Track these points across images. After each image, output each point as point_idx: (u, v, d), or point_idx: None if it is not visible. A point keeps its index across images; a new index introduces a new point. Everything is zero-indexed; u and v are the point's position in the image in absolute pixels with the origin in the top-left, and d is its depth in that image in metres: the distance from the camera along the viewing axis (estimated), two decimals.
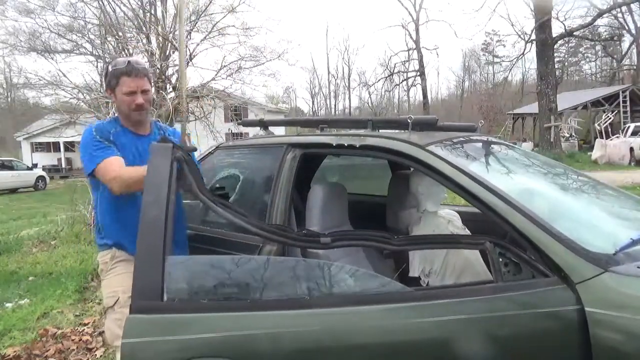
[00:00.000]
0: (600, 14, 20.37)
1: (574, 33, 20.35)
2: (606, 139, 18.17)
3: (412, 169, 2.33)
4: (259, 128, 2.64)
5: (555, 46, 19.54)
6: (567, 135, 20.20)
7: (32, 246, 6.45)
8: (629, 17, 29.34)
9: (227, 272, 1.36)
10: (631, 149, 16.46)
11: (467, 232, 2.31)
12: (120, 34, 9.28)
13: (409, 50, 32.26)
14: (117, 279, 1.91)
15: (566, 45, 35.12)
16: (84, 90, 8.41)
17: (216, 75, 9.45)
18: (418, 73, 31.60)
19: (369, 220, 2.48)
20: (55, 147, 27.06)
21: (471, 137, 2.11)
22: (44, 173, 21.70)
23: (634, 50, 30.90)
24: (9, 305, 3.99)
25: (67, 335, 3.31)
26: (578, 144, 20.75)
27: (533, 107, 22.17)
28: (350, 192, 2.56)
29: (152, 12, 10.50)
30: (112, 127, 1.97)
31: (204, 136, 8.31)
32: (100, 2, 9.96)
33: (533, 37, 18.40)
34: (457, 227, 2.30)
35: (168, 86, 9.07)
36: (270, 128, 2.61)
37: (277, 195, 1.91)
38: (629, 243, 1.30)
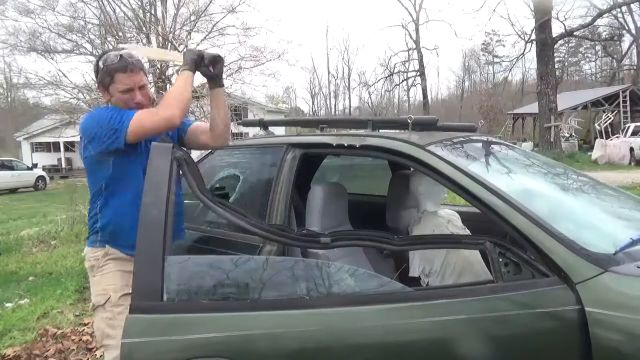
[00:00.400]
0: (600, 14, 20.38)
1: (574, 33, 20.35)
2: (606, 139, 18.18)
3: (412, 169, 2.33)
4: (259, 128, 2.64)
5: (555, 46, 19.55)
6: (567, 135, 20.20)
7: (32, 246, 6.45)
8: (629, 17, 29.36)
9: (227, 272, 1.36)
10: (631, 149, 16.46)
11: (467, 232, 2.31)
12: (120, 34, 9.28)
13: (409, 50, 32.27)
14: (108, 278, 1.84)
15: (566, 45, 35.13)
16: (84, 90, 8.41)
17: None
18: (418, 73, 31.60)
19: (369, 220, 2.48)
20: (55, 147, 27.05)
21: (471, 137, 2.11)
22: (44, 173, 21.70)
23: (634, 50, 30.90)
24: (9, 305, 3.99)
25: (67, 335, 3.31)
26: (578, 144, 20.75)
27: (533, 107, 22.17)
28: (350, 192, 2.56)
29: (152, 12, 10.50)
30: None
31: None
32: (100, 2, 9.96)
33: (533, 37, 18.41)
34: (457, 227, 2.30)
35: (168, 86, 9.07)
36: (270, 128, 2.61)
37: (277, 196, 1.91)
38: (628, 243, 1.30)
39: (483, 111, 28.13)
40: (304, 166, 2.08)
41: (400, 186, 2.39)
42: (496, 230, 1.41)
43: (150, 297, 1.21)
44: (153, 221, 1.26)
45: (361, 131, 2.09)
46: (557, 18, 20.53)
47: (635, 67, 30.80)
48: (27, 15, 10.83)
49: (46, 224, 8.31)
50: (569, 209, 1.72)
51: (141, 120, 1.68)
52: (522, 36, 20.76)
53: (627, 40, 32.21)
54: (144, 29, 9.62)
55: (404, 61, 32.54)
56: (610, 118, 20.64)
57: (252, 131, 8.21)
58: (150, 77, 8.17)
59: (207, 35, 10.86)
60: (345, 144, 1.80)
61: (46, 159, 27.85)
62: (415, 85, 34.43)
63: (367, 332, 1.24)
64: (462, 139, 1.99)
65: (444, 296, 1.29)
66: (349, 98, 48.13)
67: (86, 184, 1.97)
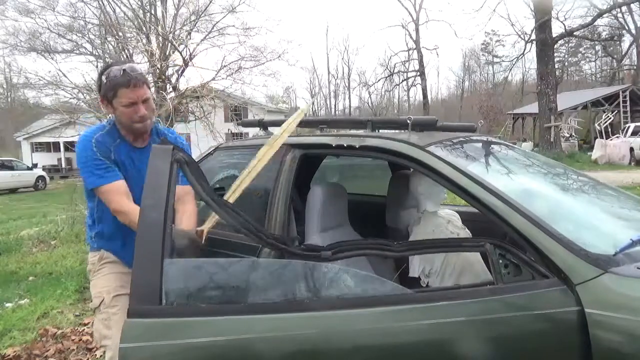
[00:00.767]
0: (600, 14, 20.38)
1: (574, 33, 20.36)
2: (606, 139, 18.18)
3: (412, 169, 2.33)
4: (258, 128, 2.64)
5: (555, 46, 19.54)
6: (567, 135, 20.20)
7: (32, 246, 6.46)
8: (629, 17, 29.38)
9: (226, 275, 1.35)
10: (631, 149, 16.47)
11: (467, 232, 2.31)
12: (120, 34, 9.28)
13: (409, 50, 32.28)
14: (102, 280, 1.91)
15: (566, 45, 35.15)
16: (84, 90, 8.41)
17: (216, 75, 9.46)
18: (418, 73, 31.60)
19: (369, 220, 2.48)
20: (55, 147, 27.05)
21: (471, 137, 2.11)
22: (44, 173, 21.71)
23: (634, 50, 30.90)
24: (9, 305, 3.99)
25: (67, 335, 3.31)
26: (578, 144, 20.75)
27: (533, 107, 22.17)
28: (350, 192, 2.56)
29: (152, 12, 10.51)
30: (112, 140, 1.86)
31: (204, 136, 8.30)
32: (100, 2, 9.98)
33: (533, 37, 18.41)
34: (457, 227, 2.30)
35: (168, 86, 9.07)
36: (270, 128, 2.61)
37: (276, 196, 1.90)
38: (628, 244, 1.30)
39: (483, 111, 28.15)
40: (304, 166, 2.07)
41: (400, 186, 2.39)
42: (496, 231, 1.41)
43: (149, 300, 1.19)
44: (152, 224, 1.24)
45: (361, 131, 2.09)
46: (557, 18, 20.57)
47: (635, 67, 30.81)
48: (27, 15, 10.86)
49: (46, 224, 8.31)
50: (568, 209, 1.72)
51: (109, 195, 1.79)
52: (522, 36, 20.80)
53: (627, 40, 32.25)
54: (144, 29, 9.62)
55: (404, 61, 32.56)
56: (610, 118, 20.65)
57: (252, 131, 8.20)
58: (149, 77, 8.16)
59: (207, 35, 10.86)
60: (345, 145, 1.80)
61: (46, 159, 27.86)
62: (415, 85, 34.48)
63: (366, 334, 1.23)
64: (462, 139, 1.99)
65: (443, 298, 1.28)
66: (349, 98, 48.17)
67: None
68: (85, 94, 8.44)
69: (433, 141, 1.70)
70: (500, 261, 1.28)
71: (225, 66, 9.82)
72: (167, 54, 9.33)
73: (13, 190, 19.14)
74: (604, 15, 22.64)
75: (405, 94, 42.64)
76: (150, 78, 8.27)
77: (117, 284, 1.88)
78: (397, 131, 2.17)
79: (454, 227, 2.28)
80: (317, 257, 1.40)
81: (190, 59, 9.41)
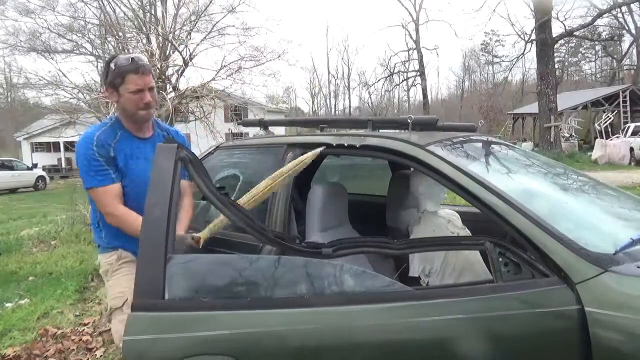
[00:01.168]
0: (600, 14, 20.39)
1: (574, 33, 20.36)
2: (606, 139, 18.18)
3: (412, 169, 2.33)
4: (259, 128, 2.64)
5: (555, 46, 19.54)
6: (567, 135, 20.21)
7: (32, 246, 6.45)
8: (629, 17, 29.38)
9: (229, 270, 1.36)
10: (631, 149, 16.47)
11: (467, 232, 2.31)
12: (120, 34, 9.28)
13: (409, 50, 32.27)
14: (125, 280, 1.89)
15: (566, 45, 35.18)
16: (84, 90, 8.41)
17: (216, 75, 9.45)
18: (418, 73, 31.59)
19: (369, 220, 2.48)
20: (55, 147, 27.07)
21: (471, 137, 2.11)
22: (44, 173, 21.71)
23: (634, 50, 30.91)
24: (9, 305, 3.99)
25: (67, 335, 3.31)
26: (578, 144, 20.76)
27: (533, 107, 22.18)
28: (350, 192, 2.56)
29: (152, 12, 10.52)
30: (113, 135, 1.88)
31: (204, 136, 8.30)
32: (100, 2, 9.98)
33: (533, 37, 18.41)
34: (457, 227, 2.30)
35: (168, 86, 9.07)
36: (270, 128, 2.61)
37: (277, 195, 1.91)
38: (629, 243, 1.30)
39: (483, 111, 28.18)
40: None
41: (401, 186, 2.39)
42: (496, 230, 1.41)
43: (152, 295, 1.22)
44: (156, 220, 1.27)
45: (361, 131, 2.09)
46: (557, 18, 20.58)
47: (635, 67, 30.81)
48: (27, 15, 10.86)
49: (46, 224, 8.31)
50: (569, 209, 1.72)
51: (101, 197, 1.83)
52: (522, 36, 20.80)
53: (627, 40, 32.25)
54: (144, 29, 9.62)
55: (404, 61, 32.55)
56: (610, 118, 20.65)
57: (252, 131, 8.20)
58: None
59: (207, 35, 10.87)
60: (345, 144, 1.80)
61: (46, 159, 27.87)
62: (415, 85, 34.45)
63: (367, 331, 1.24)
64: (462, 139, 1.99)
65: (444, 296, 1.29)
66: (349, 98, 48.18)
67: None
68: (85, 94, 8.44)
69: (433, 141, 1.70)
70: (500, 259, 1.28)
71: (225, 66, 9.82)
72: (167, 54, 9.33)
73: (13, 190, 19.15)
74: (604, 15, 22.66)
75: (405, 94, 42.69)
76: None
77: None
78: (397, 131, 2.18)
79: (454, 227, 2.28)
80: (318, 254, 1.41)
81: (190, 59, 9.42)
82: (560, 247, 1.24)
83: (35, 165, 23.01)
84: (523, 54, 21.25)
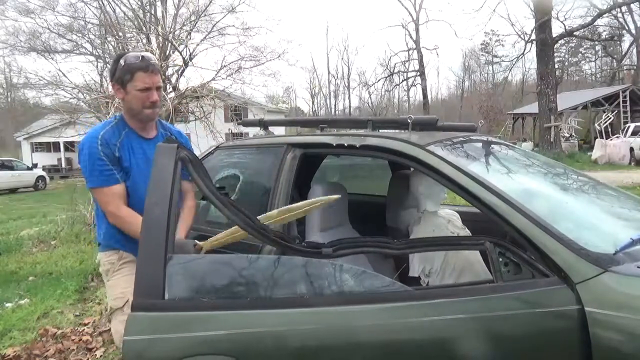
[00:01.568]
0: (600, 14, 20.39)
1: (574, 33, 20.36)
2: (606, 139, 18.18)
3: (412, 169, 2.33)
4: (259, 128, 2.64)
5: (555, 46, 19.54)
6: (567, 135, 20.21)
7: (32, 246, 6.46)
8: (629, 17, 29.39)
9: (229, 270, 1.36)
10: (631, 149, 16.47)
11: (467, 232, 2.31)
12: (120, 34, 9.28)
13: (409, 50, 32.27)
14: (125, 280, 1.88)
15: (566, 45, 35.20)
16: (84, 90, 8.41)
17: (216, 75, 9.46)
18: (418, 73, 31.59)
19: (369, 220, 2.48)
20: (55, 147, 27.07)
21: (471, 137, 2.11)
22: (44, 173, 21.70)
23: (634, 50, 30.91)
24: (9, 305, 3.99)
25: (67, 335, 3.31)
26: (578, 144, 20.76)
27: (533, 107, 22.17)
28: (350, 192, 2.56)
29: (152, 12, 10.51)
30: (117, 135, 1.88)
31: (204, 136, 8.29)
32: (100, 2, 9.98)
33: (533, 37, 18.41)
34: (457, 227, 2.30)
35: (168, 86, 9.07)
36: (270, 128, 2.61)
37: (277, 196, 1.91)
38: (629, 243, 1.30)
39: (483, 111, 28.19)
40: (304, 166, 2.07)
41: (400, 186, 2.39)
42: (496, 230, 1.41)
43: (152, 295, 1.22)
44: (156, 220, 1.26)
45: (361, 131, 2.09)
46: (557, 18, 20.58)
47: (635, 67, 30.81)
48: (27, 15, 10.87)
49: (46, 224, 8.31)
50: (569, 209, 1.72)
51: (105, 197, 1.83)
52: (522, 36, 20.80)
53: (627, 40, 32.27)
54: (144, 29, 9.63)
55: (404, 61, 32.55)
56: (610, 118, 20.64)
57: (252, 131, 8.20)
58: None
59: (207, 35, 10.86)
60: (345, 144, 1.80)
61: (46, 159, 27.86)
62: (415, 85, 34.46)
63: (367, 330, 1.24)
64: (462, 139, 1.99)
65: (443, 295, 1.29)
66: (349, 98, 48.17)
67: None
68: (85, 94, 8.44)
69: (433, 141, 1.70)
70: (500, 259, 1.28)
71: (225, 66, 9.83)
72: (167, 54, 9.33)
73: (13, 190, 19.14)
74: (604, 15, 22.67)
75: (405, 94, 42.69)
76: None
77: None
78: (397, 131, 2.18)
79: (454, 227, 2.28)
80: (318, 254, 1.41)
81: (190, 59, 9.42)
82: (560, 247, 1.24)
83: (35, 165, 23.01)
84: (523, 54, 21.29)
